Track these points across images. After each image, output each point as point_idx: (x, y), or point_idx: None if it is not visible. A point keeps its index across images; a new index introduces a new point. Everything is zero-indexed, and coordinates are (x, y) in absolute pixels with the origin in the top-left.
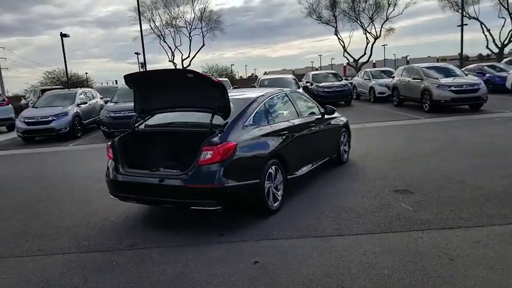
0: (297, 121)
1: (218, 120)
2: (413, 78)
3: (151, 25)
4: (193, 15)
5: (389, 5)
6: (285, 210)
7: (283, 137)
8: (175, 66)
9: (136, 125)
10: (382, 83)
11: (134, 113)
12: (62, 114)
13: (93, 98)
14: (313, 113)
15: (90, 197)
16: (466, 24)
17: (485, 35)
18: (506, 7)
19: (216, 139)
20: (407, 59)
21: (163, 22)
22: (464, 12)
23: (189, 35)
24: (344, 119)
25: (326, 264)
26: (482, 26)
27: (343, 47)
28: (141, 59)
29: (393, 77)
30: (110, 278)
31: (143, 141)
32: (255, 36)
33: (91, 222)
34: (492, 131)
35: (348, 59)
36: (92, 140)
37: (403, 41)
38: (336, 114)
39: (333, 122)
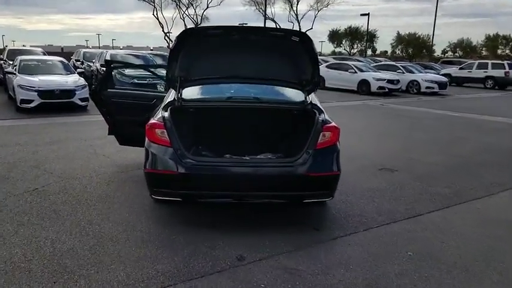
0: None
1: (295, 95)
2: None
3: None
4: None
5: None
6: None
7: None
8: None
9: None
10: None
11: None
12: None
13: None
14: None
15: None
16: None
17: None
18: (295, 13)
19: (326, 118)
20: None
21: None
22: (263, 12)
23: None
24: None
25: (468, 227)
26: (278, 26)
27: (163, 29)
28: None
29: None
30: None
31: (196, 120)
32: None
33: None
34: (355, 116)
35: (168, 42)
36: None
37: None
38: None
39: None
